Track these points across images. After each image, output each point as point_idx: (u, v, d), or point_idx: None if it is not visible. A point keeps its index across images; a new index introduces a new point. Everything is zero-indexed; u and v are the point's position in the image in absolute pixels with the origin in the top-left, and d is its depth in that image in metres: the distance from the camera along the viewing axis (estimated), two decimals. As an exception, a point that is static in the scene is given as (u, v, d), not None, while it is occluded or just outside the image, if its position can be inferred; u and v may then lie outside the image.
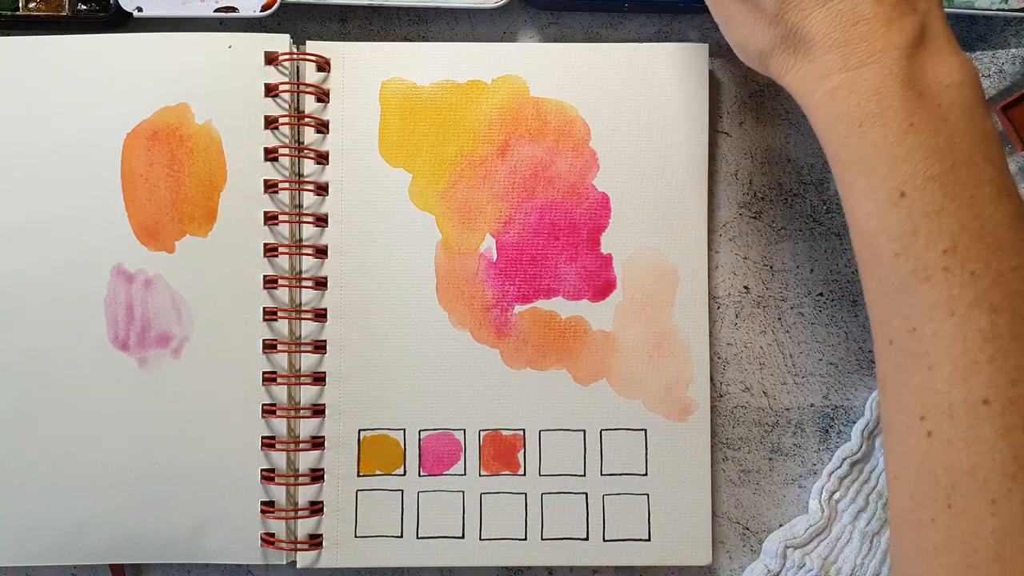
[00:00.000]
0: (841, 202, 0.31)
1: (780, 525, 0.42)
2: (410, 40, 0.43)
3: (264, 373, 0.41)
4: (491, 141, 0.42)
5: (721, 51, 0.43)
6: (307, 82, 0.42)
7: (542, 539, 0.41)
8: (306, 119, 0.41)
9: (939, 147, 0.28)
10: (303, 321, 0.41)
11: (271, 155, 0.41)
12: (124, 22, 0.42)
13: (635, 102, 0.42)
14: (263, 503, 0.41)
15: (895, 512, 0.29)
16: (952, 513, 0.27)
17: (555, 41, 0.43)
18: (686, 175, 0.42)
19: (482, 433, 0.41)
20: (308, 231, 0.41)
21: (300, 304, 0.41)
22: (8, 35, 0.42)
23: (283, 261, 0.41)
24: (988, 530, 0.26)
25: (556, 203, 0.42)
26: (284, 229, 0.41)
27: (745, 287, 0.43)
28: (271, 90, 0.41)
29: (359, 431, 0.41)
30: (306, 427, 0.41)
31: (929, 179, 0.28)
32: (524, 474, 0.41)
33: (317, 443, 0.41)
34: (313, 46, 0.42)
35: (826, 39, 0.30)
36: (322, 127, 0.42)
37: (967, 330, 0.27)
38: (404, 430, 0.41)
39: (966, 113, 0.28)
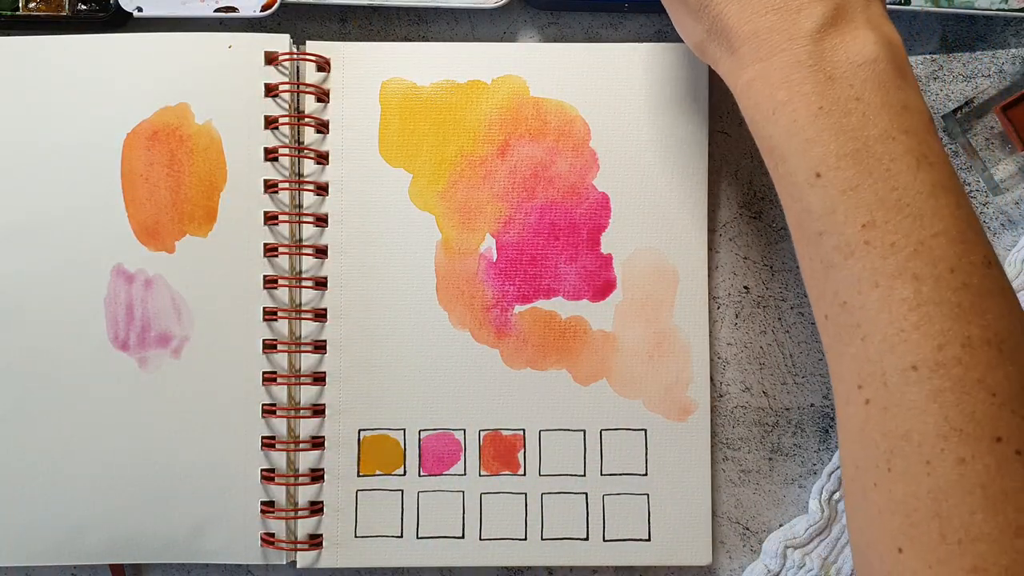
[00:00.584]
0: None
1: (780, 525, 0.42)
2: (410, 40, 0.43)
3: (264, 373, 0.41)
4: (491, 141, 0.42)
5: (721, 51, 0.43)
6: (307, 82, 0.42)
7: (542, 539, 0.41)
8: (306, 119, 0.41)
9: (851, 126, 0.28)
10: (303, 321, 0.41)
11: (271, 155, 0.41)
12: (124, 22, 0.42)
13: (635, 102, 0.42)
14: (263, 503, 0.41)
15: (846, 482, 0.30)
16: (892, 476, 0.27)
17: (555, 41, 0.43)
18: (686, 175, 0.42)
19: (482, 433, 0.41)
20: (308, 231, 0.41)
21: (300, 304, 0.41)
22: (8, 35, 0.42)
23: (283, 261, 0.41)
24: (925, 490, 0.27)
25: (556, 203, 0.42)
26: (284, 229, 0.41)
27: (745, 287, 0.43)
28: (271, 90, 0.41)
29: (359, 431, 0.41)
30: (306, 427, 0.41)
31: (842, 158, 0.28)
32: (524, 474, 0.41)
33: (317, 443, 0.41)
34: (313, 46, 0.42)
35: (740, 31, 0.31)
36: (322, 127, 0.42)
37: (892, 300, 0.28)
38: (404, 430, 0.41)
39: (880, 89, 0.29)
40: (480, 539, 0.41)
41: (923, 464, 0.27)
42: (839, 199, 0.28)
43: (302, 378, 0.41)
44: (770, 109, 0.30)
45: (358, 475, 0.41)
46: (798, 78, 0.29)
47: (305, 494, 0.41)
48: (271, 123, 0.41)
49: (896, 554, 0.27)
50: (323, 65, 0.42)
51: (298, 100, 0.42)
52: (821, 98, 0.29)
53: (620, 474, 0.41)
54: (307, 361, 0.41)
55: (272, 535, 0.41)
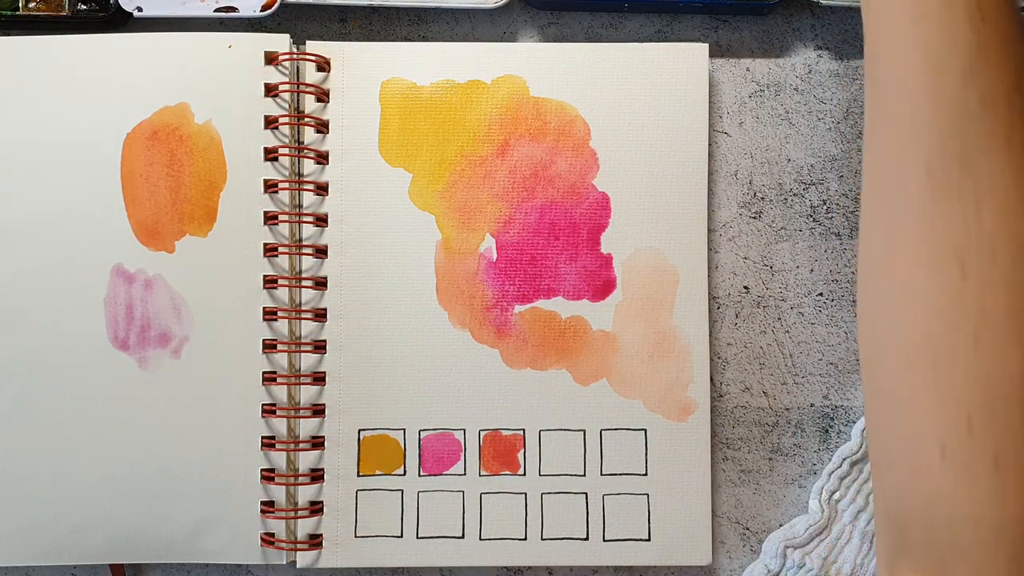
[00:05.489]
0: (877, 59, 0.29)
1: (780, 525, 0.42)
2: (410, 40, 0.43)
3: (264, 373, 0.41)
4: (491, 141, 0.42)
5: (721, 51, 0.43)
6: (307, 82, 0.42)
7: (542, 539, 0.41)
8: (306, 119, 0.41)
9: None
10: (303, 321, 0.41)
11: (271, 155, 0.41)
12: (124, 22, 0.42)
13: (635, 102, 0.42)
14: (263, 503, 0.41)
15: (878, 354, 0.28)
16: (978, 350, 0.26)
17: (555, 41, 0.43)
18: (686, 175, 0.42)
19: (482, 433, 0.41)
20: (308, 231, 0.41)
21: (300, 304, 0.41)
22: (8, 35, 0.42)
23: (283, 261, 0.41)
24: (1019, 371, 0.26)
25: (556, 203, 0.42)
26: (284, 229, 0.41)
27: (745, 287, 0.43)
28: (271, 90, 0.41)
29: (359, 431, 0.41)
30: (306, 427, 0.41)
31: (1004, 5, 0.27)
32: (524, 474, 0.41)
33: (317, 443, 0.41)
34: (313, 46, 0.42)
35: None
36: (322, 127, 0.42)
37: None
38: (404, 430, 0.41)
39: None
40: (480, 539, 0.41)
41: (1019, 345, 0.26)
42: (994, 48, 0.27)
43: (302, 378, 0.41)
44: None
45: (358, 475, 0.41)
46: None
47: (305, 494, 0.41)
48: (271, 123, 0.41)
49: (966, 424, 0.26)
50: (323, 65, 0.42)
51: (298, 100, 0.42)
52: None
53: (620, 474, 0.41)
54: (307, 361, 0.41)
55: (272, 535, 0.41)
